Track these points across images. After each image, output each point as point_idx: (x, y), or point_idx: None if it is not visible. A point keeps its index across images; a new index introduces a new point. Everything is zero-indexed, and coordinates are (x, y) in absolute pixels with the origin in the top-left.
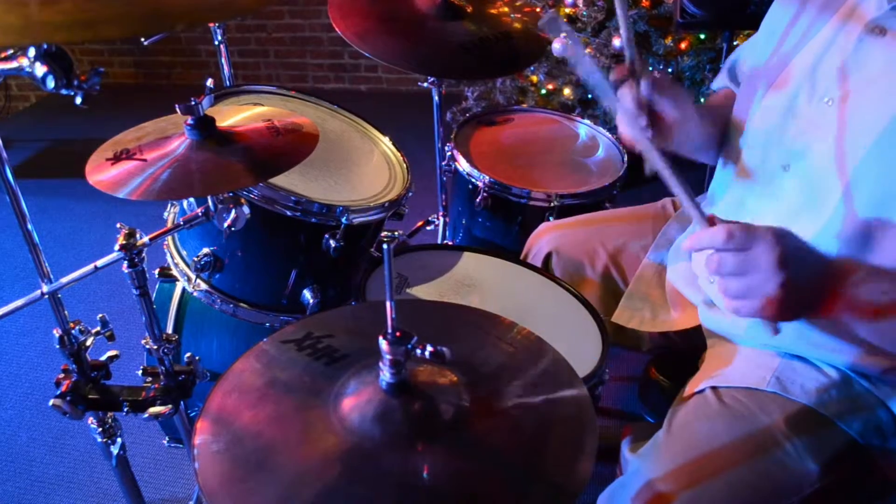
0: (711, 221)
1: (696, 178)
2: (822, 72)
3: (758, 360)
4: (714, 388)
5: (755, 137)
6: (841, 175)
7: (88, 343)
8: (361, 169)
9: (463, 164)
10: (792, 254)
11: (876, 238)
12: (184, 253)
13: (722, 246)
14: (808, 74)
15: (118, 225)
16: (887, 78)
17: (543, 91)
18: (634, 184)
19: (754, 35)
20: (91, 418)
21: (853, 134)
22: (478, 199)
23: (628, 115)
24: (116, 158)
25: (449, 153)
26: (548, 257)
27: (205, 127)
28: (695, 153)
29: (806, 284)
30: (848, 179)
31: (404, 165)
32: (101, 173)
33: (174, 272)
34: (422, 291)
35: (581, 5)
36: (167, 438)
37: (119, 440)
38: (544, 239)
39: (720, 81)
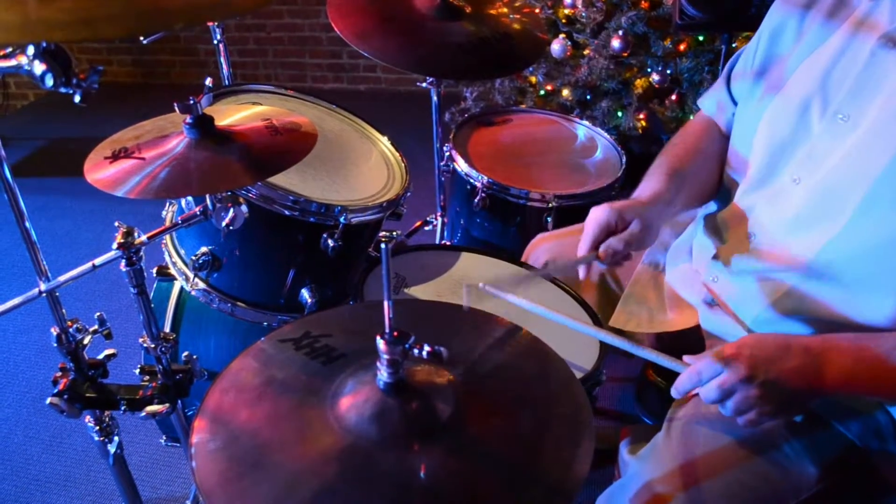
0: (685, 363)
1: None
2: (833, 84)
3: None
4: None
5: (762, 146)
6: (856, 191)
7: (86, 341)
8: (360, 169)
9: (461, 165)
10: (759, 356)
11: (886, 253)
12: (182, 252)
13: (700, 382)
14: (819, 86)
15: (116, 223)
16: None
17: (542, 92)
18: (633, 185)
19: (752, 39)
20: (88, 417)
21: (870, 152)
22: (476, 200)
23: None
24: (115, 157)
25: (447, 153)
26: (544, 267)
27: (203, 126)
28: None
29: (786, 375)
30: (863, 196)
31: (403, 165)
32: (100, 172)
33: (172, 271)
34: (420, 291)
35: (580, 6)
36: (164, 437)
37: (116, 439)
38: (541, 248)
39: (710, 100)
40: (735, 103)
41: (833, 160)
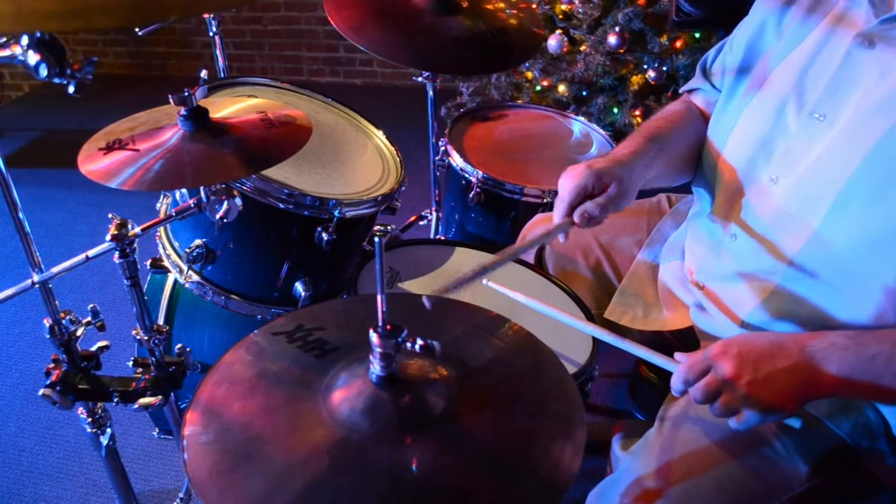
0: (676, 361)
1: None
2: (809, 83)
3: None
4: None
5: (741, 144)
6: (830, 190)
7: (79, 333)
8: (355, 162)
9: (456, 160)
10: (747, 355)
11: (866, 249)
12: (176, 244)
13: (687, 383)
14: (796, 84)
15: (110, 215)
16: (878, 91)
17: (538, 87)
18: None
19: (732, 34)
20: (81, 409)
21: (845, 151)
22: (471, 195)
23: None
24: (109, 148)
25: (443, 148)
26: (541, 249)
27: (198, 118)
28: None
29: (778, 374)
30: (836, 194)
31: (398, 160)
32: (94, 163)
33: (166, 263)
34: (413, 286)
35: (577, 2)
36: (157, 430)
37: (109, 431)
38: (538, 230)
39: (692, 83)
40: (716, 88)
41: (809, 159)
